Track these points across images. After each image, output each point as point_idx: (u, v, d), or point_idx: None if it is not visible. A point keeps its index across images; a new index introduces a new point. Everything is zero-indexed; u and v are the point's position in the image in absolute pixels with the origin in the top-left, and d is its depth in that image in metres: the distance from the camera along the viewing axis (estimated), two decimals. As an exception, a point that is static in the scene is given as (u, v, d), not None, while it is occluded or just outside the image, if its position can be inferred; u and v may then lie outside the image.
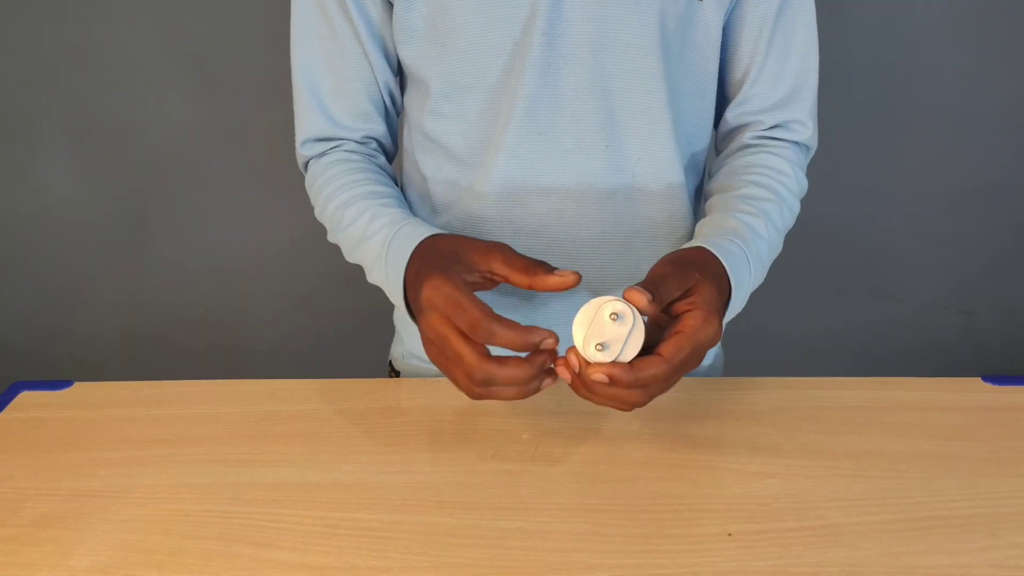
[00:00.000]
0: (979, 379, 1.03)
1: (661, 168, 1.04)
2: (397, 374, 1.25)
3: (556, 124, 1.00)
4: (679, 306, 0.83)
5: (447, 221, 1.09)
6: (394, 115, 1.13)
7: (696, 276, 0.84)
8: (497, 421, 0.95)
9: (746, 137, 1.12)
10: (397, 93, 1.11)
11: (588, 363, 0.79)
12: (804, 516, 0.81)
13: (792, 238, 1.12)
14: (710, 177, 1.14)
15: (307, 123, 1.08)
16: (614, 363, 0.79)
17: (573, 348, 0.80)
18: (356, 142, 1.09)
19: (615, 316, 0.78)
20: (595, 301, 0.79)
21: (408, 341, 1.21)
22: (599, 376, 0.78)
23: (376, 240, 0.96)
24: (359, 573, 0.75)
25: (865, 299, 2.26)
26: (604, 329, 0.79)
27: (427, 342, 0.84)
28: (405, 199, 1.13)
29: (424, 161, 1.09)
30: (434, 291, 0.81)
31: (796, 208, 1.08)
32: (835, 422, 0.95)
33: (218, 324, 2.29)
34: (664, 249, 1.07)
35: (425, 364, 1.18)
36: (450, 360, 0.81)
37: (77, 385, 1.04)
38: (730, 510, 0.82)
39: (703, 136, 1.10)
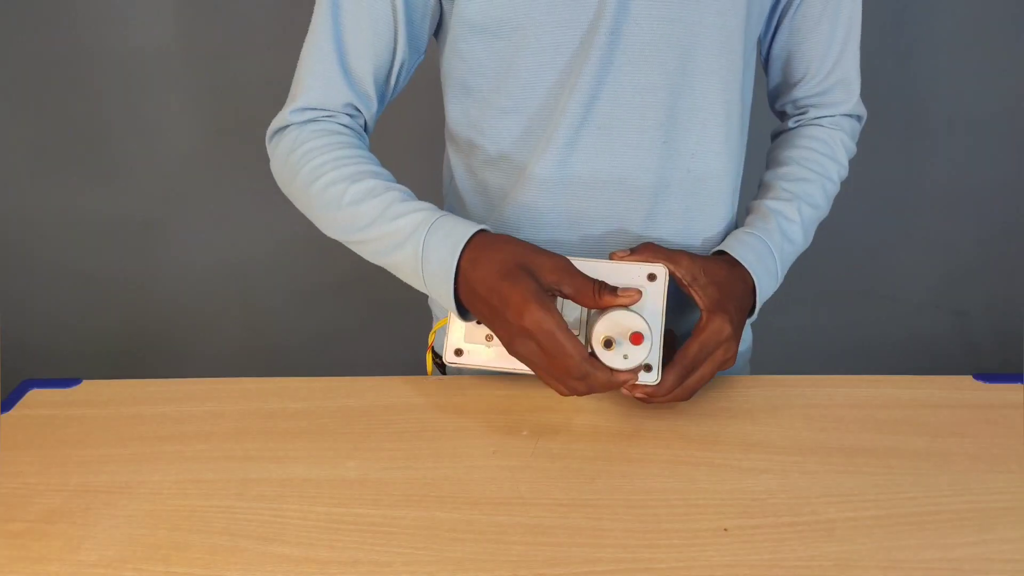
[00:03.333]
0: (970, 377, 1.03)
1: (714, 162, 1.05)
2: (443, 368, 1.21)
3: (615, 119, 0.99)
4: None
5: (501, 213, 1.08)
6: (390, 94, 1.08)
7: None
8: (498, 419, 0.95)
9: (790, 123, 1.17)
10: (405, 75, 1.07)
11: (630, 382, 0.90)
12: (798, 511, 0.81)
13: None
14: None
15: (317, 86, 1.03)
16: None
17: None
18: (348, 116, 1.05)
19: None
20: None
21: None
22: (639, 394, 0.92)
23: (410, 220, 0.93)
24: (362, 568, 0.75)
25: (860, 299, 2.26)
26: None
27: (519, 355, 0.87)
28: (452, 184, 1.13)
29: (481, 159, 1.08)
30: (536, 326, 0.84)
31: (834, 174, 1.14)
32: (828, 419, 0.95)
33: (224, 324, 2.29)
34: (710, 243, 1.09)
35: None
36: (553, 368, 0.86)
37: (85, 383, 1.04)
38: (725, 505, 0.82)
39: (746, 120, 1.12)
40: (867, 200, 2.10)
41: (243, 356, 2.31)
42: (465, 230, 0.91)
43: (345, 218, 0.97)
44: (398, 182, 1.00)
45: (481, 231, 0.91)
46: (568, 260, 0.89)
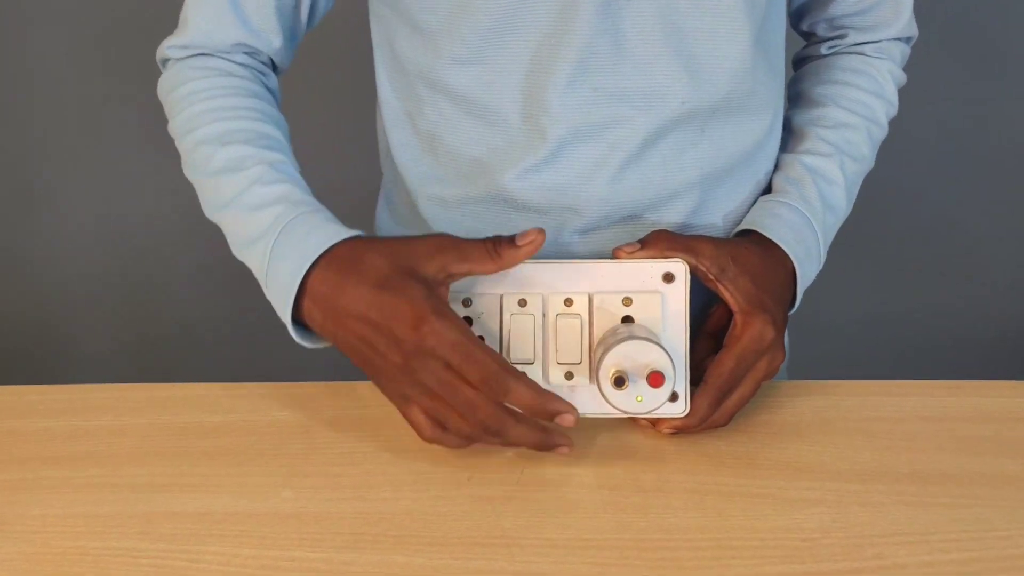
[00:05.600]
0: (1076, 383, 1.03)
1: (742, 117, 1.03)
2: None
3: (618, 76, 0.98)
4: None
5: (463, 196, 1.06)
6: (303, 27, 1.10)
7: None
8: (475, 435, 0.95)
9: (823, 48, 1.18)
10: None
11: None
12: (858, 555, 0.80)
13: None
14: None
15: (201, 22, 1.05)
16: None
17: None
18: (250, 56, 1.08)
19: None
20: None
21: None
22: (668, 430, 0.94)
23: (263, 216, 0.94)
24: (300, 627, 0.75)
25: (934, 280, 2.26)
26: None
27: (420, 390, 0.86)
28: (393, 167, 1.12)
29: (432, 120, 1.06)
30: (437, 339, 0.83)
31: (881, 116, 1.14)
32: (896, 436, 0.95)
33: (125, 315, 2.28)
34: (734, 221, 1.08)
35: None
36: (456, 410, 0.86)
37: (-53, 390, 1.03)
38: (766, 547, 0.81)
39: (781, 58, 1.11)
40: (941, 154, 2.10)
41: (147, 355, 2.30)
42: (320, 239, 0.90)
43: (207, 189, 1.00)
44: (288, 141, 1.03)
45: (343, 241, 0.90)
46: (448, 235, 0.90)
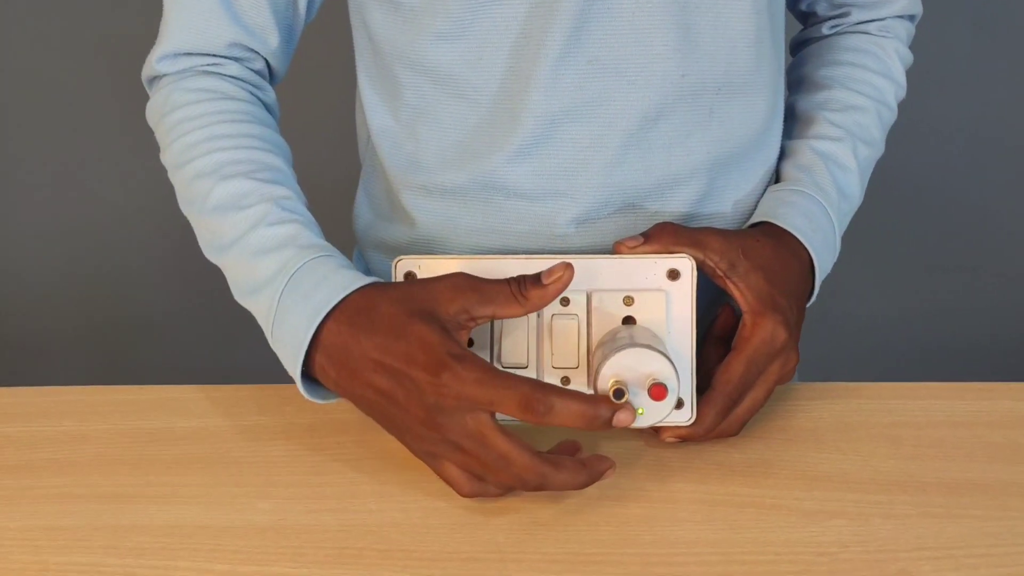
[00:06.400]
0: (1116, 385, 1.03)
1: (748, 95, 1.04)
2: None
3: (613, 47, 0.98)
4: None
5: (448, 183, 1.05)
6: (302, 21, 1.09)
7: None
8: (467, 442, 0.94)
9: (824, 28, 1.18)
10: None
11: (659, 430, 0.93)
12: (882, 570, 0.80)
13: (866, 197, 1.12)
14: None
15: (189, 22, 1.03)
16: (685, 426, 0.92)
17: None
18: (237, 61, 1.06)
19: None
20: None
21: None
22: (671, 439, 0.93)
23: (268, 263, 0.92)
24: (277, 649, 0.75)
25: (963, 277, 2.26)
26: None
27: (449, 447, 0.84)
28: (372, 157, 1.11)
29: (413, 105, 1.05)
30: (459, 383, 0.81)
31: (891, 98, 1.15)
32: (922, 443, 0.95)
33: (88, 310, 2.27)
34: (745, 210, 1.08)
35: None
36: (490, 466, 0.83)
37: None
38: (781, 561, 0.81)
39: (781, 36, 1.11)
40: (971, 141, 2.10)
41: (113, 355, 2.29)
42: (332, 290, 0.89)
43: (205, 228, 0.99)
44: (291, 166, 1.01)
45: (355, 291, 0.89)
46: (465, 275, 0.87)
